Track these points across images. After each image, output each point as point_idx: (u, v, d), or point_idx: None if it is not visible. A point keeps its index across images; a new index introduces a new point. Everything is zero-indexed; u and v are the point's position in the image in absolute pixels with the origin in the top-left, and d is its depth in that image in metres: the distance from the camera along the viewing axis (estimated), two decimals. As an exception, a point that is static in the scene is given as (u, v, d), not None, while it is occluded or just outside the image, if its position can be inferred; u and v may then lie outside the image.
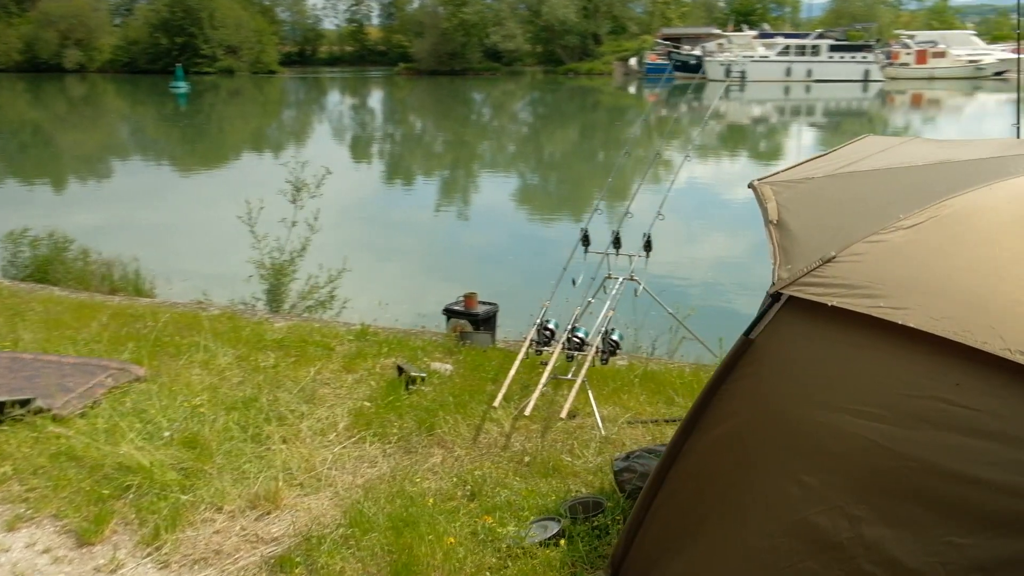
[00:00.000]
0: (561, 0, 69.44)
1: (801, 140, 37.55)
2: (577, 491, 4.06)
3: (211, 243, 13.72)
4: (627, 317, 6.01)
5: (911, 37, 60.94)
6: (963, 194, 2.96)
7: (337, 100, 60.36)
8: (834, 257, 2.88)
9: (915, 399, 2.57)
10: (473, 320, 6.52)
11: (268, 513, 3.94)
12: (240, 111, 50.16)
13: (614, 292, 5.66)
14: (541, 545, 3.52)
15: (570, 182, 24.12)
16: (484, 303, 6.69)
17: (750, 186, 3.81)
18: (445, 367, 5.87)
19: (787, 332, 2.89)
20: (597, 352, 5.03)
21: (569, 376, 5.15)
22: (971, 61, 56.69)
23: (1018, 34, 6.76)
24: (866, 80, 54.47)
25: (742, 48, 58.06)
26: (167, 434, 4.57)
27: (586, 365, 4.93)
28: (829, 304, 2.76)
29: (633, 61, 65.82)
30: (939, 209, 2.93)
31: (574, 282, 5.76)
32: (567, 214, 18.59)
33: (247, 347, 6.23)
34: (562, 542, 3.51)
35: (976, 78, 55.85)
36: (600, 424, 4.82)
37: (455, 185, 23.38)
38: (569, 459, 4.41)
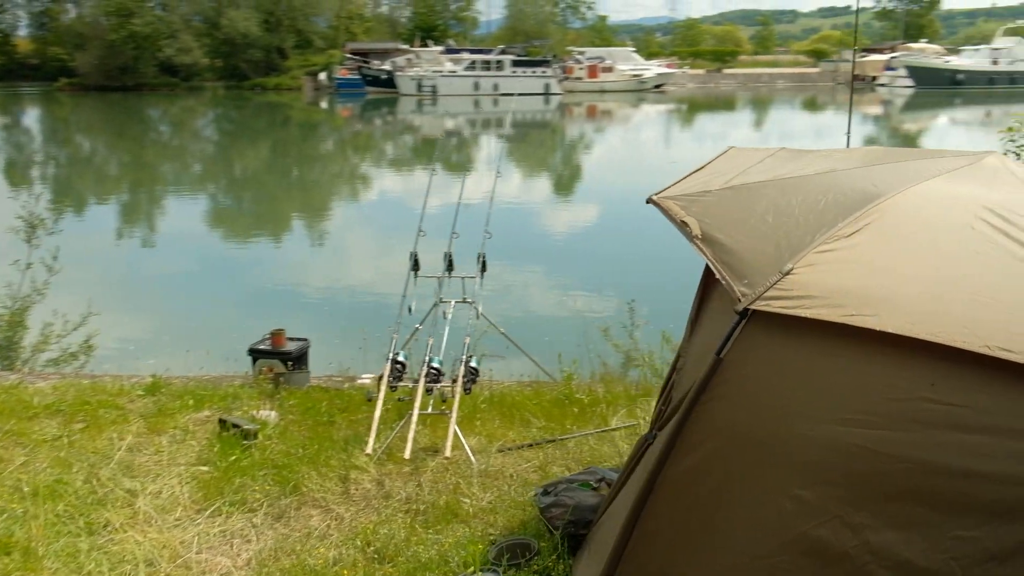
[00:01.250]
0: (241, 13, 66.73)
1: (491, 149, 39.10)
2: (491, 534, 3.80)
3: None
4: (457, 340, 5.78)
5: (582, 53, 66.00)
6: (884, 201, 3.13)
7: (-19, 119, 53.28)
8: (792, 270, 2.91)
9: (898, 402, 2.64)
10: (285, 359, 5.95)
11: (143, 620, 3.27)
12: None
13: (451, 316, 5.43)
14: (489, 601, 3.24)
15: (275, 200, 23.12)
16: (294, 339, 6.14)
17: (649, 201, 3.79)
18: (270, 415, 5.29)
19: (755, 348, 2.87)
20: (462, 382, 4.77)
21: (429, 410, 4.84)
22: (635, 75, 62.56)
23: (854, 51, 7.44)
24: (547, 93, 58.10)
25: (431, 63, 59.47)
26: (-34, 542, 3.65)
27: (457, 398, 4.66)
28: (801, 316, 2.77)
29: (323, 76, 64.92)
30: (868, 217, 3.06)
31: (410, 309, 5.44)
32: (313, 236, 17.87)
33: (14, 418, 5.19)
34: (514, 594, 3.25)
35: (640, 91, 61.74)
36: (473, 457, 4.58)
37: (174, 212, 21.39)
38: (467, 500, 4.13)
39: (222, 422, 5.00)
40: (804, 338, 2.81)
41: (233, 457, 4.55)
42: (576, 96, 59.36)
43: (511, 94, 56.05)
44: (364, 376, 6.19)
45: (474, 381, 4.89)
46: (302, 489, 4.26)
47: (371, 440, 4.38)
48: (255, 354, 6.04)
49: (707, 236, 3.29)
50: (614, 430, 4.96)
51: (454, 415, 4.54)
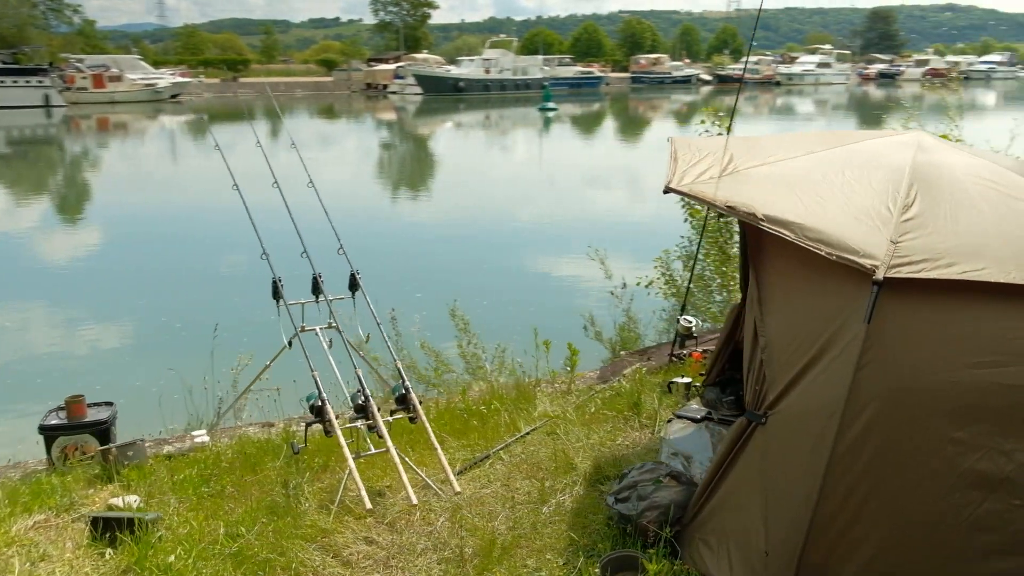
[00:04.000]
0: None
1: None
2: (560, 559, 3.53)
3: None
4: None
5: (81, 61, 59.70)
6: (909, 172, 3.56)
7: None
8: (898, 239, 3.19)
9: (1015, 340, 3.06)
10: (98, 431, 4.74)
11: None
12: None
13: (307, 345, 4.80)
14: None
15: None
16: (96, 405, 4.90)
17: (671, 191, 3.80)
18: (132, 500, 4.20)
19: (888, 313, 3.08)
20: (420, 409, 4.26)
21: (372, 451, 4.26)
22: (148, 85, 58.35)
23: (748, 54, 7.65)
24: (48, 105, 51.71)
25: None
26: None
27: (430, 430, 4.16)
28: (930, 278, 3.06)
29: None
30: (913, 187, 3.46)
31: (290, 344, 4.68)
32: None
33: None
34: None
35: (156, 101, 57.82)
36: (454, 484, 4.15)
37: None
38: (501, 534, 3.75)
39: (98, 521, 3.84)
40: (925, 297, 3.11)
41: (171, 558, 3.55)
42: (83, 108, 53.65)
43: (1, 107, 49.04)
44: (198, 433, 5.15)
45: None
46: (304, 572, 3.50)
47: (364, 496, 3.72)
48: (50, 431, 4.70)
49: (772, 218, 3.42)
50: (532, 431, 4.86)
51: (439, 448, 4.06)
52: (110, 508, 4.11)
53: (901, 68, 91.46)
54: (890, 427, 3.05)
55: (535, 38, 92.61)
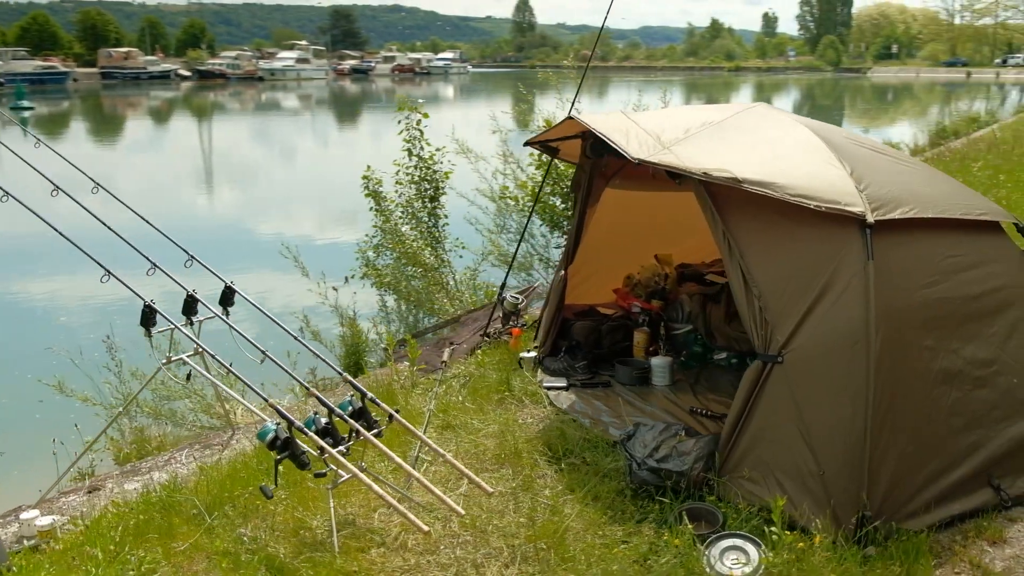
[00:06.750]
0: None
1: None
2: (613, 532, 3.56)
3: None
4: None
5: None
6: (818, 135, 4.20)
7: None
8: (863, 190, 3.79)
9: (942, 261, 3.92)
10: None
11: None
12: None
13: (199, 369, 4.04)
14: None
15: None
16: None
17: (642, 163, 3.94)
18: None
19: (878, 250, 3.66)
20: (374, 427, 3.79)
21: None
22: None
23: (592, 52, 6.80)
24: None
25: None
26: None
27: (423, 435, 3.72)
28: (898, 219, 3.73)
29: None
30: (828, 147, 4.10)
31: (190, 376, 3.80)
32: None
33: None
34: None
35: None
36: (483, 484, 3.84)
37: None
38: (538, 523, 3.60)
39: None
40: (894, 234, 3.82)
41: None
42: None
43: None
44: (29, 515, 3.87)
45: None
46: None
47: (414, 519, 3.28)
48: None
49: (751, 180, 3.83)
50: (426, 426, 4.67)
51: (446, 453, 3.68)
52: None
53: (372, 64, 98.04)
54: (892, 343, 3.62)
55: (-32, 28, 79.87)
